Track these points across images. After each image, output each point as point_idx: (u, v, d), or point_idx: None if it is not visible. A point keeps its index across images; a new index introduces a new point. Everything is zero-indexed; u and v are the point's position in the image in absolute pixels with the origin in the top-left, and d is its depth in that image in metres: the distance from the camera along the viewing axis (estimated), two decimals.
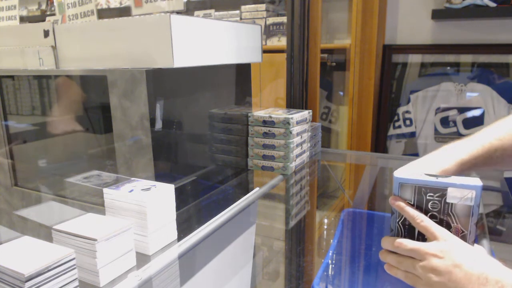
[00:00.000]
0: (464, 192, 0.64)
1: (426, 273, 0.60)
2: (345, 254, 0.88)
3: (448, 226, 0.65)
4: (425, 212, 0.66)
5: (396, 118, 2.20)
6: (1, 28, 1.23)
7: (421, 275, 0.60)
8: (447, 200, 0.65)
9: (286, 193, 1.24)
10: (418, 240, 0.66)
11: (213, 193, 1.13)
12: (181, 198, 1.00)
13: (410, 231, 0.68)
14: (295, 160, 1.23)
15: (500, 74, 2.01)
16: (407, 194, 0.67)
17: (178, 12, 0.95)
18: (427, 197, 0.66)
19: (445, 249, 0.60)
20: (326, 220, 1.30)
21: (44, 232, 1.00)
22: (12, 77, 1.17)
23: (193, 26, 0.95)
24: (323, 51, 2.26)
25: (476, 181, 0.64)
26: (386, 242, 0.68)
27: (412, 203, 0.67)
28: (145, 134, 0.90)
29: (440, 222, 0.65)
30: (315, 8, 1.57)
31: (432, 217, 0.66)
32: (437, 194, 0.65)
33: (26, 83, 1.14)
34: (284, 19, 2.30)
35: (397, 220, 0.68)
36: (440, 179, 0.66)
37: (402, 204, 0.66)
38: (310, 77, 1.60)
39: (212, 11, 2.55)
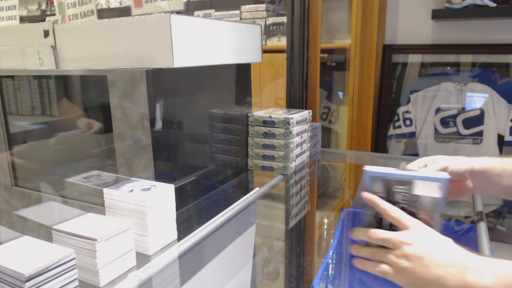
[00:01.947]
0: (430, 185, 0.66)
1: (399, 260, 0.62)
2: (345, 254, 0.88)
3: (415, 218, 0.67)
4: (395, 204, 0.68)
5: (396, 118, 2.20)
6: (1, 28, 1.23)
7: (393, 263, 0.62)
8: (414, 192, 0.67)
9: (286, 193, 1.24)
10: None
11: (213, 193, 1.13)
12: (181, 198, 1.00)
13: (382, 223, 0.70)
14: (295, 160, 1.23)
15: (500, 74, 2.01)
16: (378, 187, 0.69)
17: (178, 12, 0.95)
18: (397, 190, 0.68)
19: (417, 237, 0.62)
20: (326, 220, 1.30)
21: (44, 232, 1.00)
22: (12, 77, 1.17)
23: (193, 26, 0.95)
24: (323, 51, 2.26)
25: (443, 174, 0.67)
26: (358, 233, 0.69)
27: (383, 195, 0.69)
28: (145, 134, 0.90)
29: (409, 214, 0.67)
30: (315, 8, 1.57)
31: (401, 209, 0.68)
32: (405, 187, 0.67)
33: (26, 83, 1.14)
34: (284, 19, 2.30)
35: (369, 213, 0.70)
36: (408, 172, 0.68)
37: (373, 198, 0.69)
38: (310, 77, 1.60)
39: (212, 11, 2.56)
